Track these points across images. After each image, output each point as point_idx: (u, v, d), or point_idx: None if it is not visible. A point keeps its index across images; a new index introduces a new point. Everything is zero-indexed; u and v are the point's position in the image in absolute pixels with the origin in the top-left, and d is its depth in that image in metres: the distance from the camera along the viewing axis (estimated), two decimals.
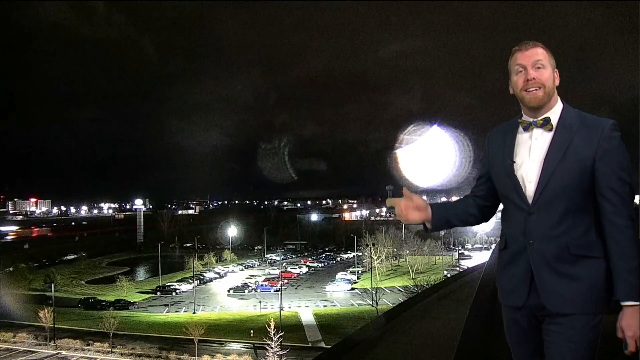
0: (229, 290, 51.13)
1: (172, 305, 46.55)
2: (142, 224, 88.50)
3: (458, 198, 2.17)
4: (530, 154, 1.87)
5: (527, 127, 1.90)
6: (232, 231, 75.20)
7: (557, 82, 1.89)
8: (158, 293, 51.07)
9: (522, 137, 1.92)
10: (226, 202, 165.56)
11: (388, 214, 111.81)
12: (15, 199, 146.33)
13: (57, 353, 34.95)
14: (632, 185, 1.76)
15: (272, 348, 31.18)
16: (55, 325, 37.31)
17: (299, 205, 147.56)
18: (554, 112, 1.87)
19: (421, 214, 2.05)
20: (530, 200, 1.85)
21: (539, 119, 1.87)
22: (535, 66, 1.84)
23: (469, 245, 71.94)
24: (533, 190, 1.84)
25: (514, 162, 1.90)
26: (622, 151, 1.78)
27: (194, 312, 43.76)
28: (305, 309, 43.57)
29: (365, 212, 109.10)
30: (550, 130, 1.85)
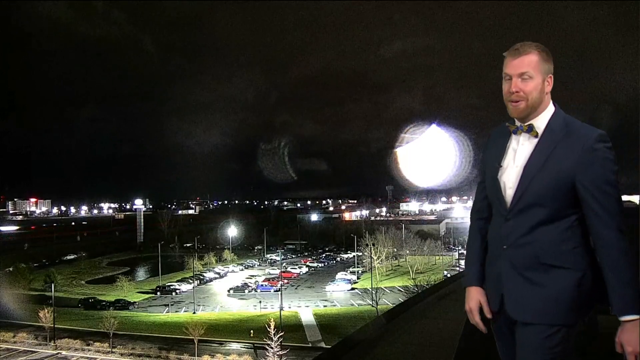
0: (229, 290, 51.11)
1: (172, 305, 46.51)
2: (142, 224, 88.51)
3: (469, 236, 2.10)
4: (515, 159, 1.86)
5: (516, 131, 1.88)
6: (232, 231, 75.21)
7: (549, 89, 1.82)
8: (158, 293, 51.01)
9: (512, 141, 1.91)
10: (226, 202, 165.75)
11: (388, 214, 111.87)
12: (15, 199, 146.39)
13: (57, 353, 34.93)
14: (618, 197, 1.71)
15: (272, 348, 31.17)
16: (55, 325, 37.28)
17: (299, 205, 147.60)
18: (542, 118, 1.83)
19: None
20: (508, 206, 1.84)
21: (525, 124, 1.85)
22: (522, 77, 1.79)
23: None
24: (511, 196, 1.83)
25: (501, 166, 1.89)
26: (607, 163, 1.71)
27: (194, 312, 43.74)
28: (305, 309, 43.55)
29: (365, 212, 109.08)
30: (536, 136, 1.83)
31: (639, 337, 1.63)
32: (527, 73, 1.79)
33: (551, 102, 1.85)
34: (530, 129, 1.83)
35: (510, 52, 1.82)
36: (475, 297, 1.98)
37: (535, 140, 1.82)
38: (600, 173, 1.70)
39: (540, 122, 1.82)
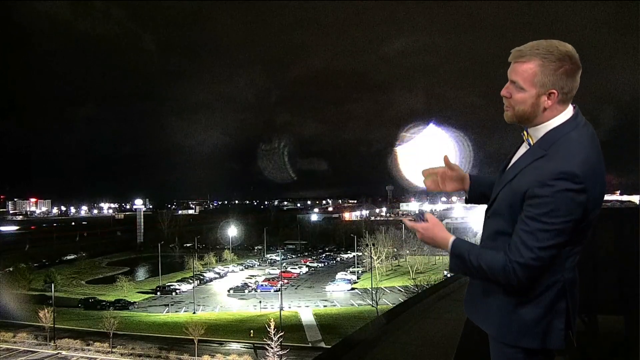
0: (229, 290, 51.14)
1: (172, 305, 46.54)
2: (142, 224, 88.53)
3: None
4: (512, 161, 1.79)
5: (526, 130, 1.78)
6: (232, 231, 75.23)
7: (548, 104, 1.62)
8: (158, 293, 51.05)
9: (523, 143, 1.82)
10: (226, 202, 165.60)
11: (388, 214, 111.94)
12: (15, 199, 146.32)
13: (57, 353, 34.94)
14: (540, 238, 1.55)
15: (272, 348, 31.18)
16: (55, 325, 37.30)
17: (299, 205, 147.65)
18: (540, 130, 1.68)
19: (459, 185, 2.03)
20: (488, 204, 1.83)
21: (524, 131, 1.75)
22: (513, 85, 1.66)
23: None
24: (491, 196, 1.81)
25: (509, 162, 1.82)
26: (552, 202, 1.54)
27: (194, 312, 43.77)
28: (305, 309, 43.56)
29: (365, 212, 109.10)
30: (529, 145, 1.72)
31: (430, 235, 1.80)
32: (517, 83, 1.64)
33: (568, 112, 1.66)
34: (523, 138, 1.75)
35: (513, 52, 1.66)
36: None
37: (526, 150, 1.73)
38: (536, 209, 1.56)
39: (538, 132, 1.68)
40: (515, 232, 1.61)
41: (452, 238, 1.76)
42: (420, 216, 1.85)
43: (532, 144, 1.70)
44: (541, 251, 1.56)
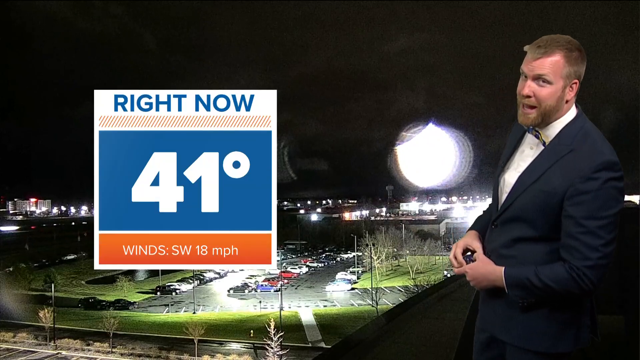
0: (229, 290, 51.18)
1: (172, 305, 46.56)
2: None
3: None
4: (519, 163, 1.71)
5: (530, 131, 1.70)
6: None
7: (570, 95, 1.59)
8: (158, 293, 51.10)
9: (524, 141, 1.74)
10: None
11: (388, 214, 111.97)
12: (15, 199, 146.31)
13: (57, 353, 34.97)
14: (602, 235, 1.51)
15: (272, 348, 31.21)
16: (55, 325, 37.32)
17: (299, 205, 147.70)
18: (555, 126, 1.63)
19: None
20: (497, 211, 1.73)
21: (535, 129, 1.67)
22: (537, 80, 1.57)
23: None
24: (502, 202, 1.71)
25: (508, 164, 1.76)
26: (602, 196, 1.50)
27: (194, 312, 43.79)
28: (305, 309, 43.60)
29: (365, 212, 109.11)
30: (544, 144, 1.64)
31: (480, 272, 1.70)
32: (545, 77, 1.55)
33: (573, 108, 1.63)
34: (538, 136, 1.66)
35: (531, 48, 1.58)
36: (467, 236, 1.85)
37: (541, 149, 1.65)
38: (588, 206, 1.50)
39: (552, 130, 1.62)
40: (568, 236, 1.53)
41: (502, 269, 1.64)
42: (469, 257, 1.79)
43: (546, 143, 1.64)
44: (606, 247, 1.51)
